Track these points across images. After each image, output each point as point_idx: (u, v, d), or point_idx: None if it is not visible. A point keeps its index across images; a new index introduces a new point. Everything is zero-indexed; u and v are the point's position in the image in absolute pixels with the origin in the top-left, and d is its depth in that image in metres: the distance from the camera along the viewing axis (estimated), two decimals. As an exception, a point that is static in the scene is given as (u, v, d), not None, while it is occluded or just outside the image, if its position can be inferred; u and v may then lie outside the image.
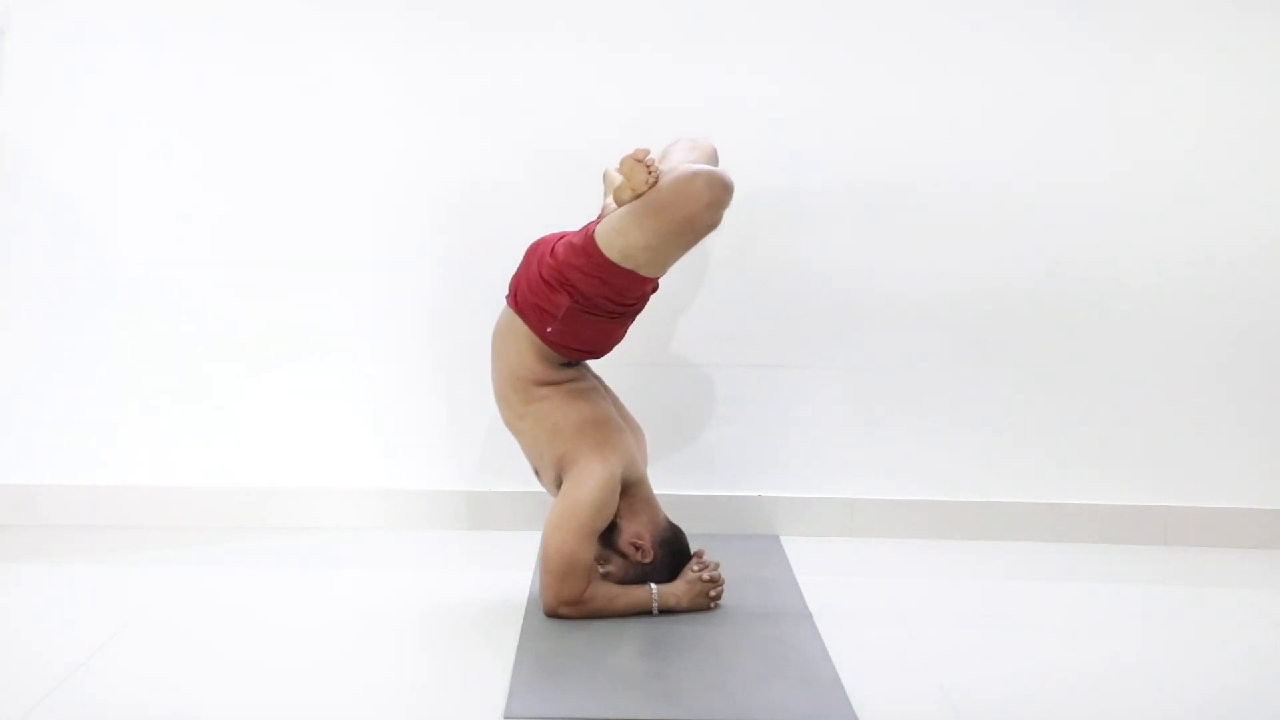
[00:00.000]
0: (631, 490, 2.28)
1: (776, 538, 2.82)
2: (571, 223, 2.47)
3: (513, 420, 2.32)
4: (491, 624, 2.20)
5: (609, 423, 2.27)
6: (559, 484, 2.27)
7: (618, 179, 2.34)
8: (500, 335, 2.33)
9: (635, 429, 2.43)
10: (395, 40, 2.80)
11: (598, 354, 2.35)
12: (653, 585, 2.24)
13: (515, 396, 2.29)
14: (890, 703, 1.89)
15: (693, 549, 2.33)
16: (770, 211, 2.81)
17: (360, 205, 2.83)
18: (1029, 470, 2.87)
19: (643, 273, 2.18)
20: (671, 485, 2.85)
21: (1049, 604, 2.40)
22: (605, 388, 2.44)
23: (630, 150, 2.13)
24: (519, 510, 2.82)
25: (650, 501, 2.32)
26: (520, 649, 2.07)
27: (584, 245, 2.17)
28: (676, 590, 2.25)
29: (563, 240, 2.26)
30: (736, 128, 2.78)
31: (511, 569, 2.51)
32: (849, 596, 2.41)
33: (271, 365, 2.84)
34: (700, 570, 2.26)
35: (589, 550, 2.18)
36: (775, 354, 2.87)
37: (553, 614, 2.20)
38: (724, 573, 2.31)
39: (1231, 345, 2.86)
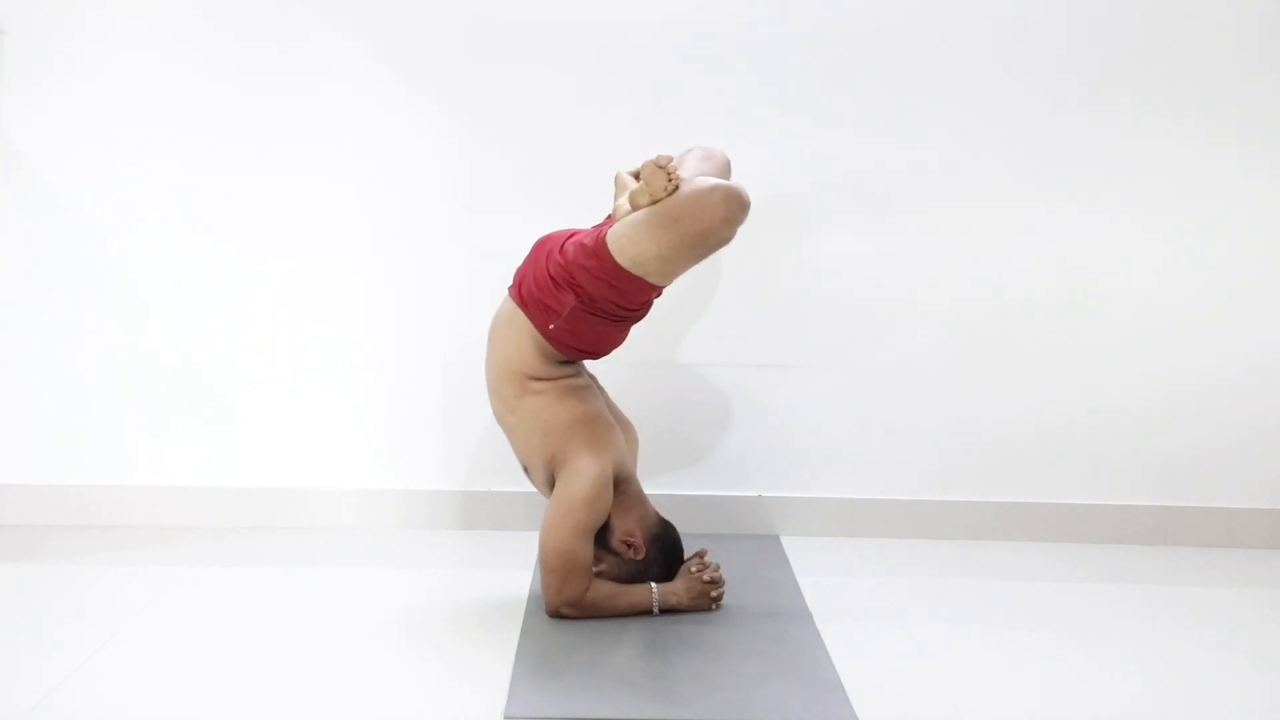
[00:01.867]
0: (622, 488, 2.27)
1: (776, 538, 2.82)
2: (574, 224, 2.47)
3: (504, 414, 2.32)
4: (491, 624, 2.20)
5: (599, 420, 2.27)
6: (550, 483, 2.27)
7: (630, 182, 2.34)
8: (500, 326, 2.32)
9: (627, 426, 2.43)
10: (396, 38, 2.80)
11: (597, 355, 2.35)
12: (653, 584, 2.24)
13: (509, 390, 2.28)
14: (890, 703, 1.89)
15: (693, 549, 2.33)
16: (771, 212, 2.81)
17: (360, 206, 2.83)
18: (1029, 470, 2.88)
19: (651, 281, 2.18)
20: (672, 485, 2.86)
21: (1049, 604, 2.40)
22: (598, 385, 2.43)
23: (651, 156, 2.12)
24: (518, 510, 2.82)
25: (641, 499, 2.31)
26: (520, 649, 2.07)
27: (595, 248, 2.17)
28: (677, 589, 2.25)
29: (573, 239, 2.25)
30: (738, 127, 2.78)
31: (511, 569, 2.51)
32: (849, 596, 2.41)
33: (272, 365, 2.84)
34: (700, 571, 2.26)
35: (587, 548, 2.18)
36: (775, 354, 2.87)
37: (555, 614, 2.20)
38: (724, 573, 2.31)
39: (1232, 344, 2.86)
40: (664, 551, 2.27)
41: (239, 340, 2.83)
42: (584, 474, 2.18)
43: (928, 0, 2.80)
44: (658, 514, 2.31)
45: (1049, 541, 2.85)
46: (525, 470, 2.36)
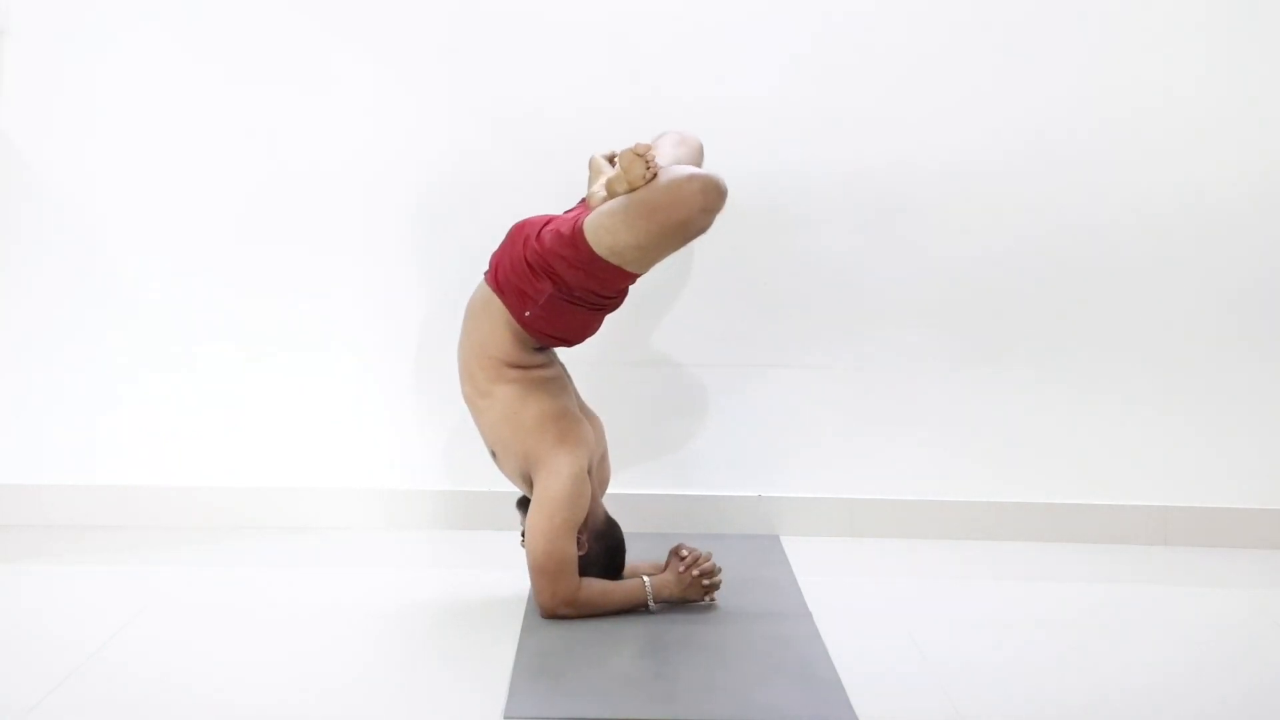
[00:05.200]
0: None
1: (776, 538, 2.82)
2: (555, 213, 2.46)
3: (474, 397, 2.31)
4: (491, 624, 2.20)
5: (568, 415, 2.27)
6: (523, 476, 2.28)
7: (605, 166, 2.35)
8: (475, 311, 2.32)
9: (594, 420, 2.42)
10: (389, 37, 2.79)
11: (571, 343, 2.35)
12: (645, 577, 2.25)
13: (482, 374, 2.28)
14: (890, 703, 1.89)
15: (695, 550, 2.32)
16: (769, 210, 2.81)
17: (356, 206, 2.82)
18: (1029, 470, 2.87)
19: (629, 269, 2.18)
20: (672, 486, 2.86)
21: (1049, 604, 2.40)
22: (568, 375, 2.43)
23: (630, 144, 2.13)
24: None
25: (594, 496, 2.32)
26: (520, 649, 2.07)
27: (572, 237, 2.17)
28: (668, 580, 2.25)
29: (549, 226, 2.25)
30: (733, 124, 2.78)
31: (511, 569, 2.50)
32: (849, 596, 2.41)
33: (270, 364, 2.84)
34: (688, 566, 2.25)
35: (574, 546, 2.18)
36: (775, 354, 2.86)
37: (552, 615, 2.19)
38: (724, 573, 2.31)
39: (1232, 345, 2.86)
40: (606, 551, 2.28)
41: (240, 340, 2.83)
42: (561, 473, 2.19)
43: None
44: (606, 513, 2.33)
45: (1049, 541, 2.84)
46: (493, 455, 2.36)
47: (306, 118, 2.80)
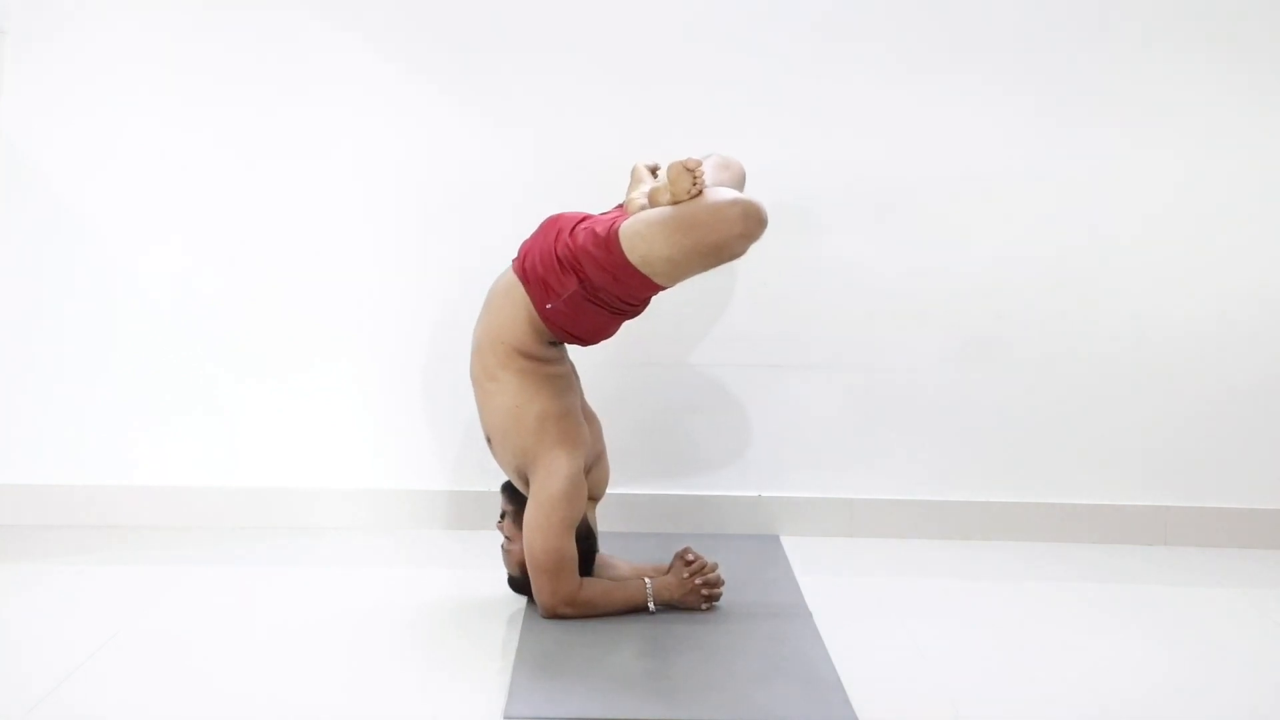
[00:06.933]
0: None
1: (776, 538, 2.82)
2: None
3: (482, 378, 2.30)
4: (491, 624, 2.20)
5: (569, 416, 2.27)
6: (517, 470, 2.28)
7: (646, 175, 2.36)
8: (498, 295, 2.33)
9: (593, 421, 2.43)
10: (396, 44, 2.80)
11: (586, 342, 2.35)
12: (647, 579, 2.25)
13: (493, 357, 2.28)
14: (890, 703, 1.89)
15: (694, 550, 2.32)
16: (772, 212, 2.78)
17: (360, 208, 2.83)
18: (1029, 470, 2.87)
19: (656, 280, 2.18)
20: (673, 485, 2.86)
21: (1049, 604, 2.40)
22: (575, 374, 2.43)
23: (681, 158, 2.12)
24: (519, 510, 2.82)
25: None
26: (520, 649, 2.07)
27: (606, 239, 2.17)
28: (669, 584, 2.26)
29: (584, 224, 2.25)
30: (737, 127, 2.78)
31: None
32: (849, 596, 2.41)
33: (272, 366, 2.84)
34: (692, 573, 2.26)
35: (572, 544, 2.19)
36: (775, 354, 2.87)
37: (552, 614, 2.20)
38: (724, 572, 2.31)
39: (1231, 344, 2.86)
40: (580, 555, 2.27)
41: (240, 341, 2.83)
42: (559, 472, 2.19)
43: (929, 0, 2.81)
44: (589, 522, 2.33)
45: (1049, 541, 2.84)
46: (488, 441, 2.35)
47: (314, 118, 2.81)
